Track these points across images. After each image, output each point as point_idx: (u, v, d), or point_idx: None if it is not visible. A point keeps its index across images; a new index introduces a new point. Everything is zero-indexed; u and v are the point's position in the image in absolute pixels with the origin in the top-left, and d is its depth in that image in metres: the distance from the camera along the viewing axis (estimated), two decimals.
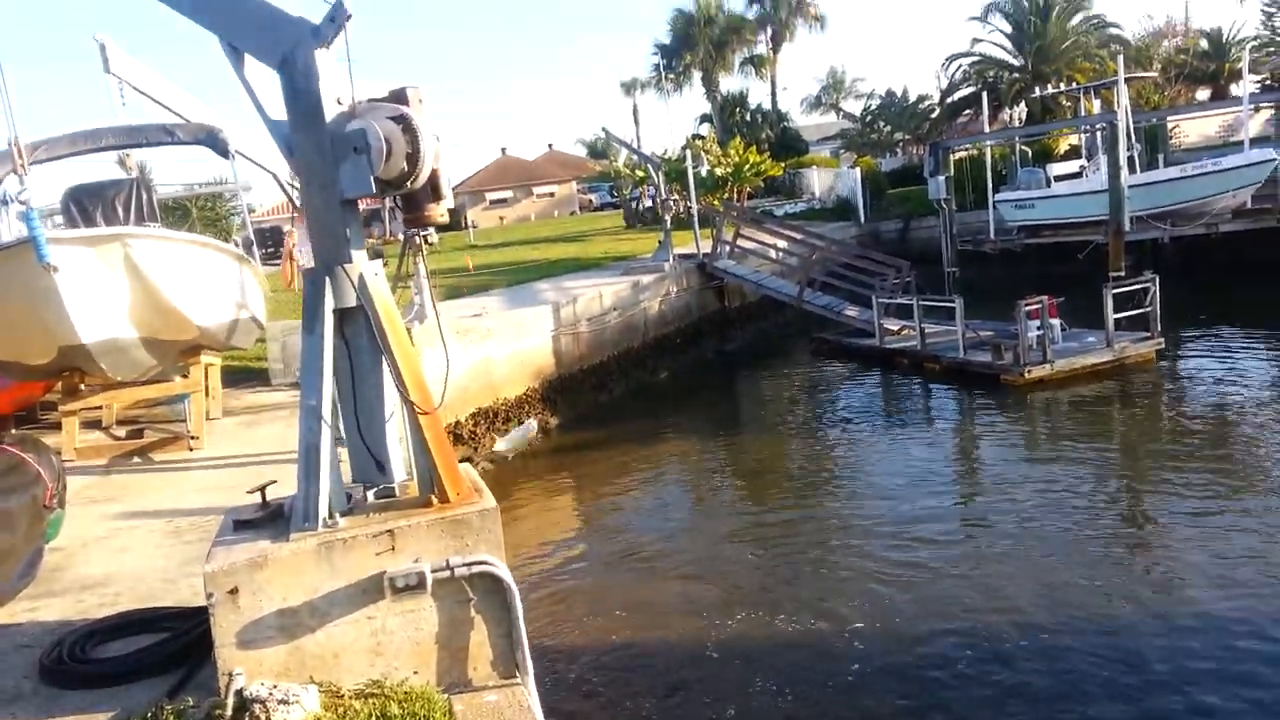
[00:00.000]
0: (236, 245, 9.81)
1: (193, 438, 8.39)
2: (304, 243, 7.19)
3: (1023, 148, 27.14)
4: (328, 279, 4.09)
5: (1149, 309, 15.89)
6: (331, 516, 4.00)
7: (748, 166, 31.35)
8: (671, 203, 23.54)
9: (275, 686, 3.70)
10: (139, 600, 5.03)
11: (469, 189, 59.09)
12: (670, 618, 8.30)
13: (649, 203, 37.85)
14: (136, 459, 8.43)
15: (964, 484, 12.01)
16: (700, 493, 12.92)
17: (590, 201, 62.99)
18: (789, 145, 40.57)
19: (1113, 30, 38.36)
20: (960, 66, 39.96)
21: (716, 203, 28.44)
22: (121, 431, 9.53)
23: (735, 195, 31.68)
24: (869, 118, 45.83)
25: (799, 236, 22.91)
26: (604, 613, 8.48)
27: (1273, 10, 46.31)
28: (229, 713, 3.55)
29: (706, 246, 23.16)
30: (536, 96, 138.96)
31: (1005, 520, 9.98)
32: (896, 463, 12.82)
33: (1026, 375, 15.46)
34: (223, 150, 9.63)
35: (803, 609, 8.14)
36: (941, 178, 21.91)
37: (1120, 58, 20.23)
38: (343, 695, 3.85)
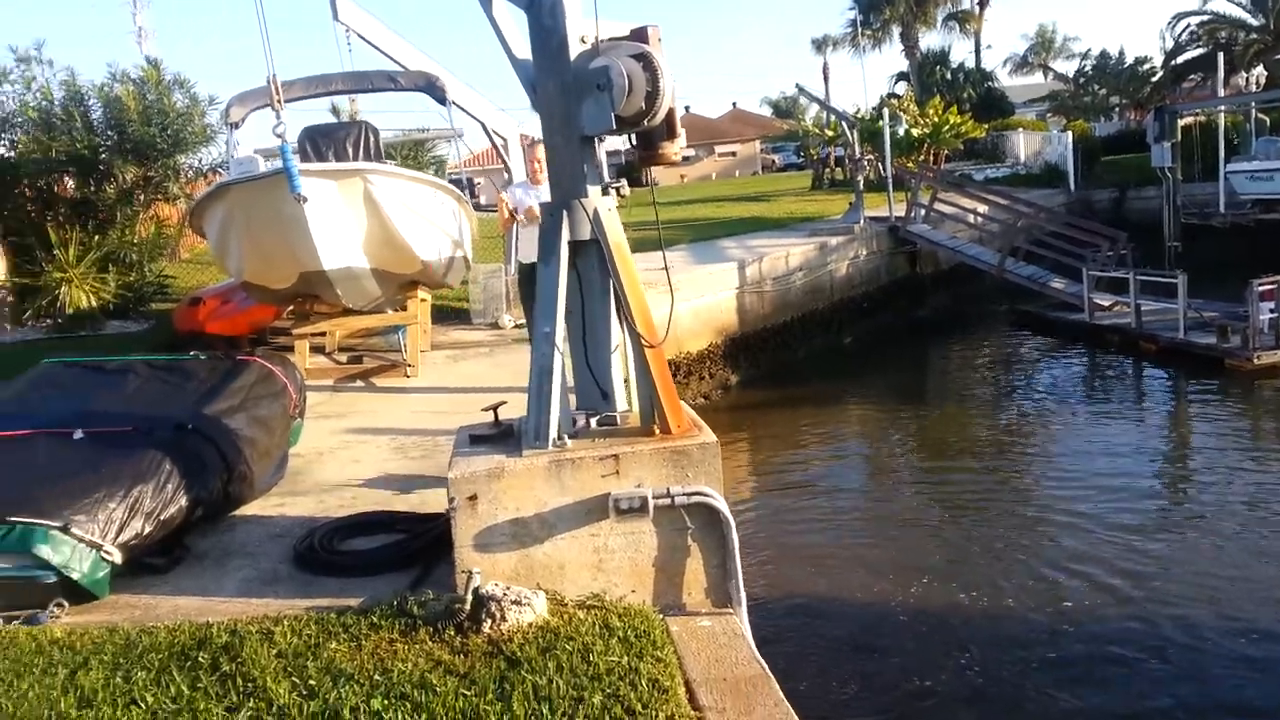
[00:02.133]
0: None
1: (409, 366, 8.94)
2: (512, 190, 7.48)
3: (1260, 115, 24.79)
4: (565, 213, 4.25)
5: None
6: (560, 437, 4.20)
7: (946, 127, 30.01)
8: (865, 163, 22.89)
9: (509, 588, 3.95)
10: (374, 504, 5.44)
11: None
12: (853, 577, 8.22)
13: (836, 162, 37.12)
14: (358, 381, 9.07)
15: (1175, 474, 11.14)
16: (881, 459, 12.63)
17: (773, 161, 62.07)
18: (993, 106, 38.49)
19: None
20: (1188, 26, 36.73)
21: (911, 164, 27.42)
22: (343, 357, 10.27)
23: (932, 157, 30.44)
24: (1082, 79, 42.87)
25: (1003, 202, 21.83)
26: (785, 563, 8.50)
27: None
28: (468, 607, 3.82)
29: (899, 209, 22.45)
30: (720, 54, 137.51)
31: (1221, 517, 9.22)
32: (1099, 445, 12.02)
33: (1256, 361, 14.17)
34: (440, 97, 10.10)
35: (988, 587, 7.86)
36: (1167, 144, 20.30)
37: None
38: (566, 604, 4.07)
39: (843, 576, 8.28)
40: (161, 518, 4.32)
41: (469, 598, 3.84)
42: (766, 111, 69.26)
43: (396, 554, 4.49)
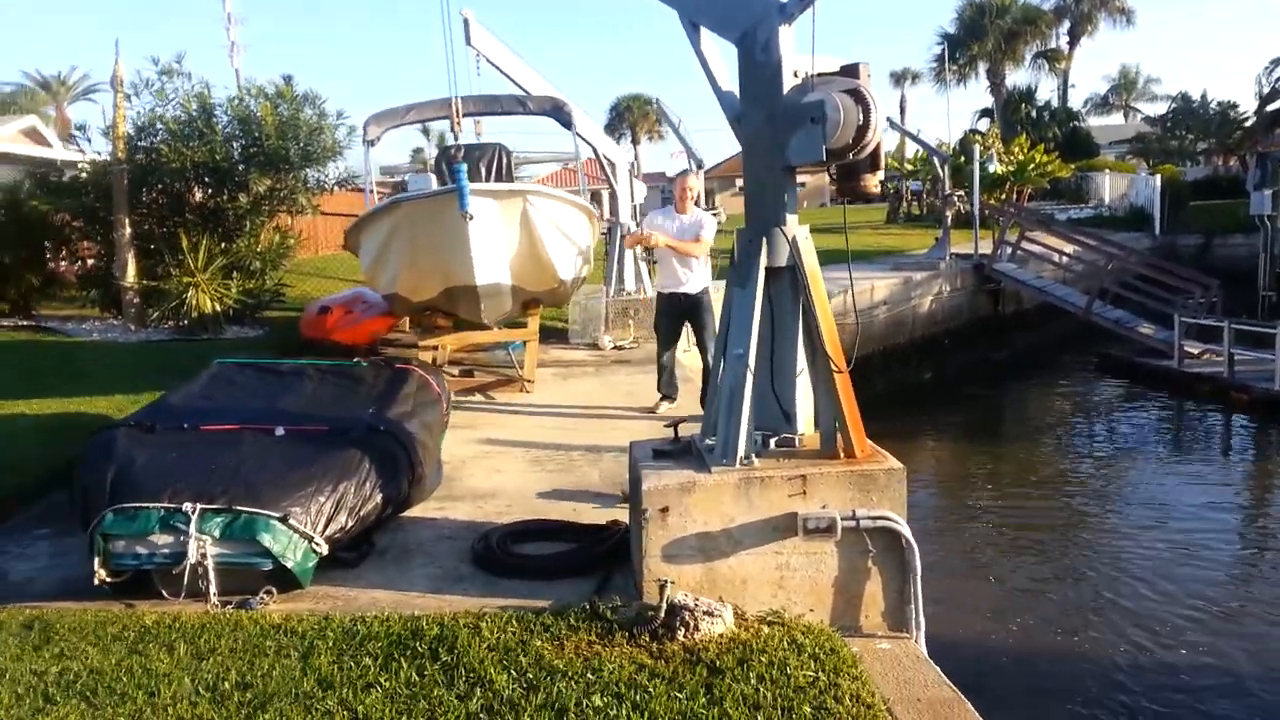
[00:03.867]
0: None
1: (528, 381, 9.17)
2: (651, 217, 7.69)
3: None
4: (764, 239, 4.41)
5: None
6: (748, 456, 4.33)
7: (1032, 166, 29.82)
8: (956, 199, 22.84)
9: (699, 599, 4.09)
10: (528, 512, 5.60)
11: (719, 174, 59.51)
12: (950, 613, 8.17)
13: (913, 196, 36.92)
14: (478, 395, 9.31)
15: (1263, 528, 10.97)
16: (955, 499, 12.52)
17: None
18: (1077, 146, 38.11)
19: None
20: None
21: (994, 201, 27.26)
22: (454, 370, 10.55)
23: (1016, 195, 30.23)
24: (1169, 122, 42.30)
25: (1092, 243, 21.62)
26: None
27: None
28: (662, 615, 3.96)
29: (985, 246, 22.34)
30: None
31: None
32: (1185, 495, 11.87)
33: None
34: (566, 121, 10.40)
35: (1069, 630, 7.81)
36: (1268, 192, 19.97)
37: None
38: (748, 619, 4.19)
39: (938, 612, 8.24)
40: (361, 513, 4.54)
41: (664, 606, 3.98)
42: None
43: (576, 561, 4.65)
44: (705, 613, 4.00)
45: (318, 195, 12.10)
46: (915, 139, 22.17)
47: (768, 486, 4.23)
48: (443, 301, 8.06)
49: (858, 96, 4.16)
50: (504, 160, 10.00)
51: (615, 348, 11.90)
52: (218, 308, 10.87)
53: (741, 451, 4.33)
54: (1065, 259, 22.17)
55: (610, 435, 7.61)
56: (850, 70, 4.34)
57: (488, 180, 9.54)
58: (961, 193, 24.83)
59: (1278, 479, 12.94)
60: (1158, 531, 10.28)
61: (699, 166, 15.40)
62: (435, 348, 9.20)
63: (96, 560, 4.08)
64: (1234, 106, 41.78)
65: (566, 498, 5.96)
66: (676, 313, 7.69)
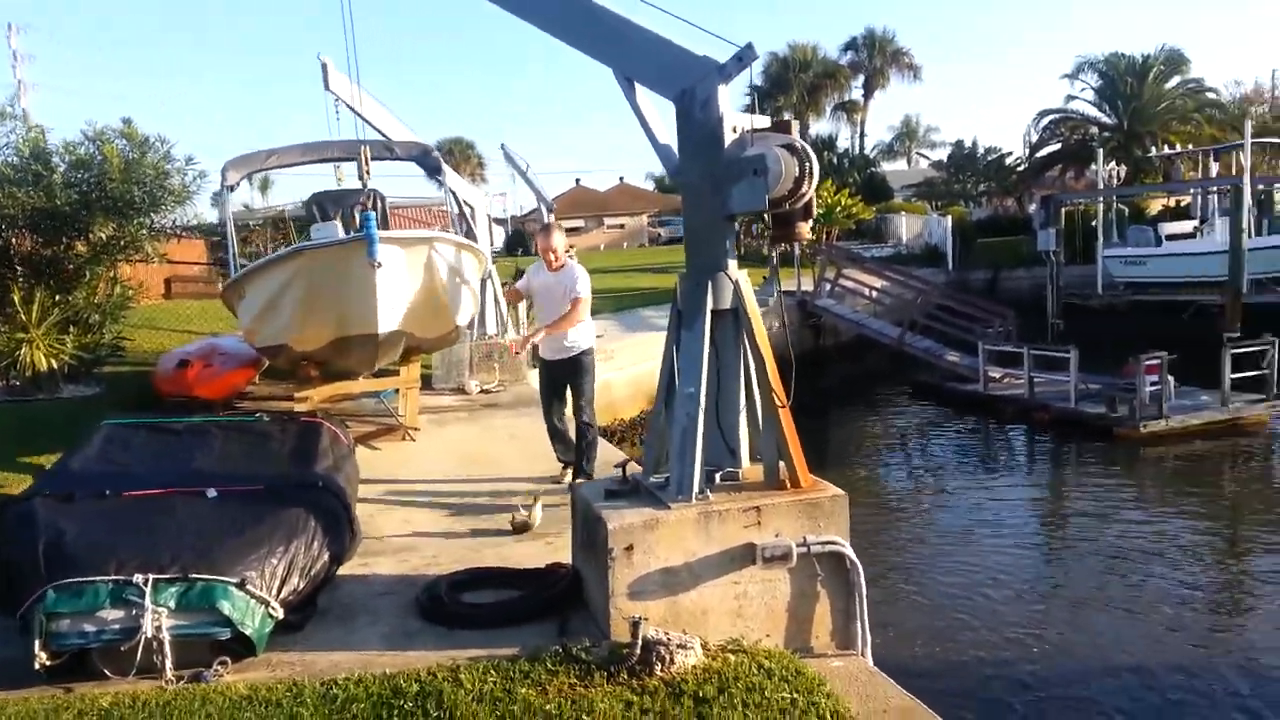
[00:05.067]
0: None
1: (413, 429, 9.02)
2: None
3: (1120, 206, 27.35)
4: (710, 283, 4.66)
5: (1266, 371, 16.03)
6: (702, 491, 4.53)
7: (839, 209, 31.89)
8: None
9: (669, 633, 4.23)
10: (456, 562, 5.55)
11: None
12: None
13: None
14: (359, 446, 9.06)
15: (1070, 531, 12.11)
16: None
17: (659, 234, 63.85)
18: (875, 189, 41.10)
19: (1209, 95, 38.56)
20: (1050, 122, 40.31)
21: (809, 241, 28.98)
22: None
23: (825, 236, 32.18)
24: (954, 168, 46.35)
25: (901, 278, 23.34)
26: None
27: None
28: (638, 651, 4.07)
29: (806, 284, 23.68)
30: (608, 131, 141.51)
31: (1116, 566, 10.20)
32: (1000, 508, 13.02)
33: (1142, 429, 15.60)
34: (434, 167, 10.38)
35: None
36: (1052, 230, 22.24)
37: (1248, 123, 20.53)
38: (710, 648, 4.36)
39: None
40: (311, 573, 4.40)
41: (639, 643, 4.09)
42: (650, 186, 71.30)
43: (530, 606, 4.68)
44: (679, 646, 4.15)
45: (164, 243, 11.43)
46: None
47: (725, 519, 4.45)
48: (328, 352, 7.84)
49: (794, 150, 4.50)
50: (380, 205, 9.83)
51: (482, 391, 11.85)
52: (54, 364, 10.04)
53: (696, 487, 4.53)
54: (875, 293, 23.79)
55: (508, 483, 7.63)
56: (783, 126, 4.70)
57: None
58: None
59: (1081, 486, 14.33)
60: (980, 538, 11.34)
61: (549, 210, 15.60)
62: (307, 399, 8.88)
63: (37, 643, 3.77)
64: (1003, 153, 46.40)
65: (492, 545, 5.94)
66: (558, 379, 7.29)
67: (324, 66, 10.79)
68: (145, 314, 14.91)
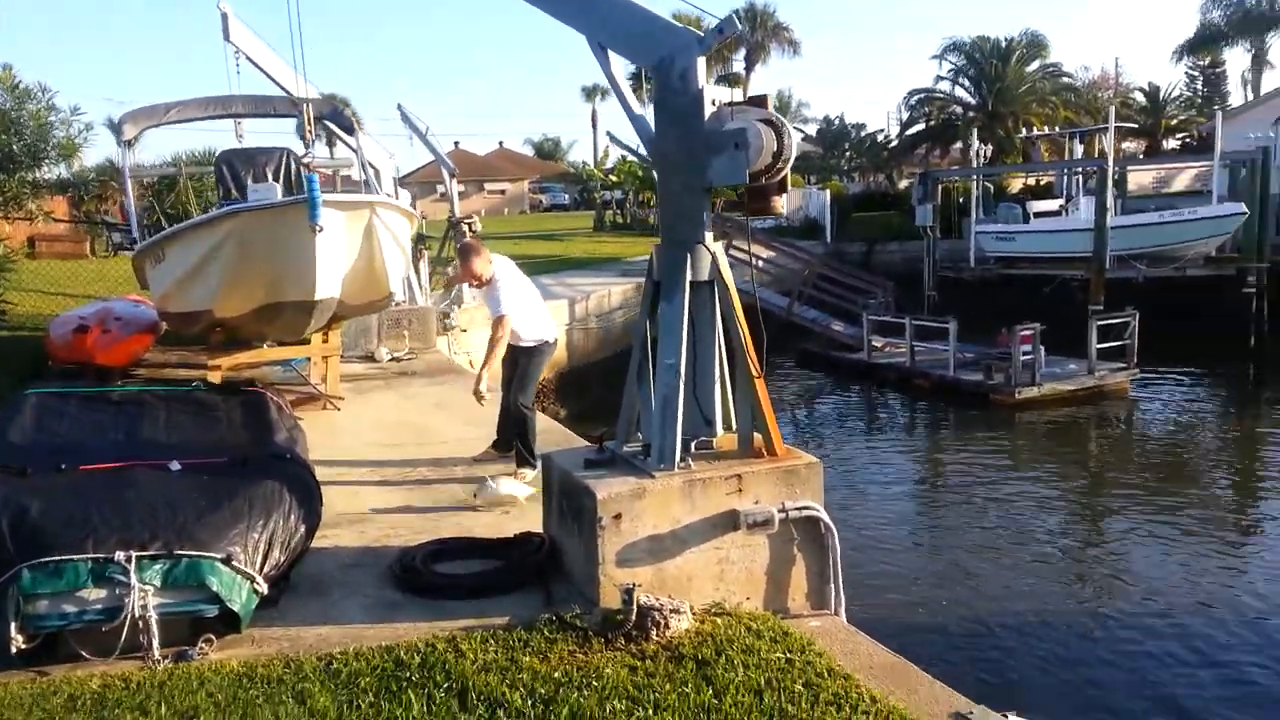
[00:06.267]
0: None
1: (336, 398, 8.76)
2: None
3: (986, 184, 28.66)
4: (688, 255, 4.71)
5: (1128, 341, 17.25)
6: (684, 460, 4.61)
7: None
8: None
9: (660, 598, 4.30)
10: (415, 532, 5.50)
11: (419, 180, 58.74)
12: None
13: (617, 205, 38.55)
14: None
15: (951, 491, 12.89)
16: None
17: (541, 201, 63.36)
18: None
19: (1065, 80, 40.68)
20: (916, 100, 41.79)
21: None
22: None
23: (711, 207, 32.56)
24: (827, 143, 47.62)
25: (789, 250, 23.91)
26: None
27: (1195, 74, 49.92)
28: (633, 617, 4.14)
29: None
30: (485, 94, 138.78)
31: (984, 528, 10.94)
32: (888, 471, 13.80)
33: (1016, 396, 16.56)
34: (347, 126, 10.02)
35: None
36: (929, 205, 23.17)
37: (1111, 109, 21.86)
38: (696, 612, 4.46)
39: None
40: (290, 546, 4.26)
41: (634, 609, 4.16)
42: (529, 151, 70.54)
43: (515, 575, 4.68)
44: (672, 611, 4.23)
45: (52, 199, 10.66)
46: (634, 153, 23.30)
47: (708, 487, 4.54)
48: (251, 319, 7.52)
49: (773, 124, 4.58)
50: (293, 166, 9.40)
51: (393, 359, 11.60)
52: None
53: (679, 456, 4.60)
54: (761, 264, 24.30)
55: (441, 449, 7.53)
56: (759, 100, 4.76)
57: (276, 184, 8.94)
58: None
59: (962, 448, 15.15)
60: (875, 499, 12.05)
61: (451, 175, 15.29)
62: (218, 367, 8.50)
63: (13, 625, 3.54)
64: (875, 130, 48.00)
65: (448, 517, 5.87)
66: (510, 362, 6.91)
67: (224, 16, 10.23)
68: (10, 277, 13.90)
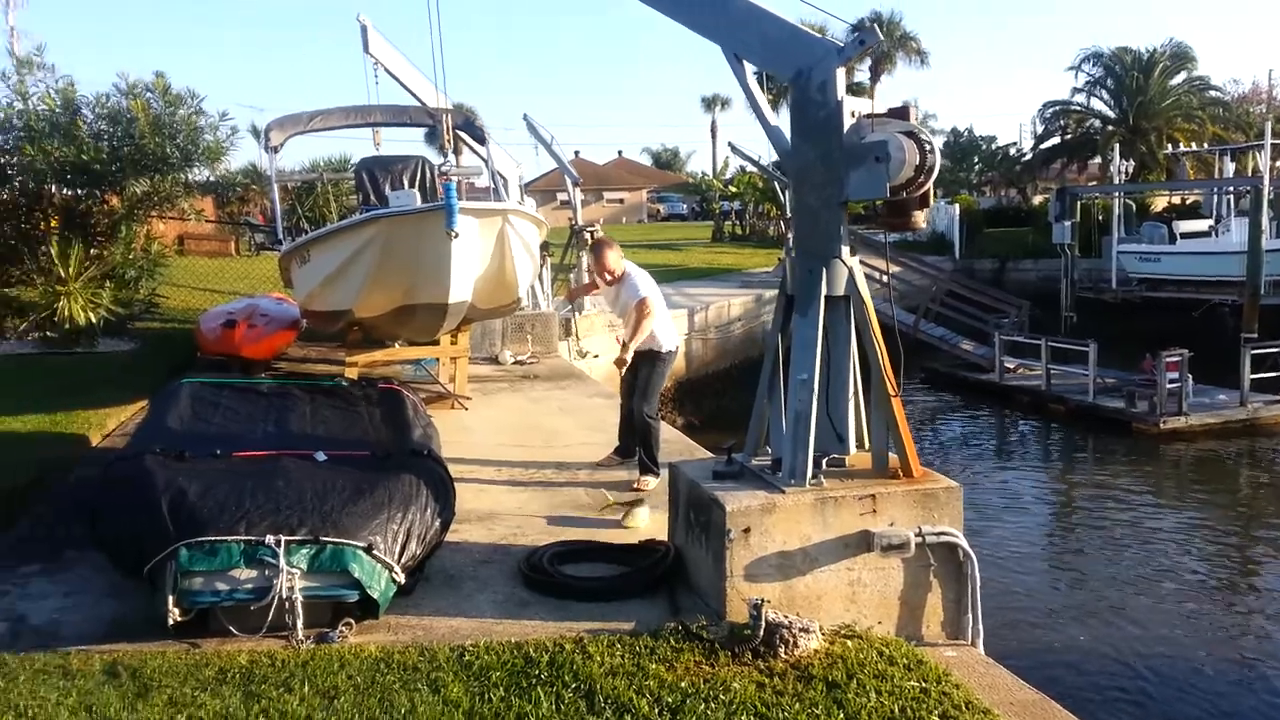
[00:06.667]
0: None
1: (461, 398, 8.97)
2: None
3: (1127, 202, 27.42)
4: (824, 269, 4.62)
5: None
6: (816, 477, 4.52)
7: None
8: None
9: (788, 616, 4.22)
10: (541, 533, 5.57)
11: (540, 188, 59.95)
12: None
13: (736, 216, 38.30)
14: None
15: (1088, 523, 12.22)
16: None
17: (659, 211, 63.75)
18: None
19: (1213, 93, 38.55)
20: (1055, 113, 40.25)
21: None
22: None
23: None
24: (955, 156, 46.31)
25: (917, 266, 23.35)
26: None
27: None
28: (761, 633, 4.07)
29: None
30: (605, 105, 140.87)
31: (1127, 564, 10.34)
32: (1022, 498, 13.20)
33: (1161, 426, 15.65)
34: (479, 136, 10.27)
35: None
36: (1067, 223, 22.27)
37: (1268, 124, 20.55)
38: (825, 633, 4.36)
39: None
40: (426, 539, 4.37)
41: (763, 624, 4.09)
42: (647, 160, 71.08)
43: (639, 581, 4.68)
44: (801, 629, 4.14)
45: (200, 199, 11.31)
46: (758, 165, 23.23)
47: (841, 506, 4.44)
48: (388, 319, 7.78)
49: (916, 138, 4.45)
50: (428, 174, 9.73)
51: (516, 362, 11.82)
52: (91, 318, 9.92)
53: (810, 473, 4.51)
54: (887, 279, 23.79)
55: (565, 453, 7.61)
56: (900, 112, 4.63)
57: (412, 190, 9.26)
58: None
59: (1101, 480, 14.40)
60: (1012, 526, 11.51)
61: (575, 184, 15.48)
62: (355, 364, 8.82)
63: (170, 599, 3.74)
64: (1008, 144, 46.36)
65: (572, 519, 5.92)
66: (634, 368, 6.83)
67: (364, 29, 10.61)
68: (167, 272, 14.80)
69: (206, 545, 3.79)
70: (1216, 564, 10.62)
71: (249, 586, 3.83)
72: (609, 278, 6.79)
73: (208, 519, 3.88)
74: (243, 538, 3.82)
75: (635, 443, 6.82)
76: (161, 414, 5.24)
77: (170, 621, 3.77)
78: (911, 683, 3.91)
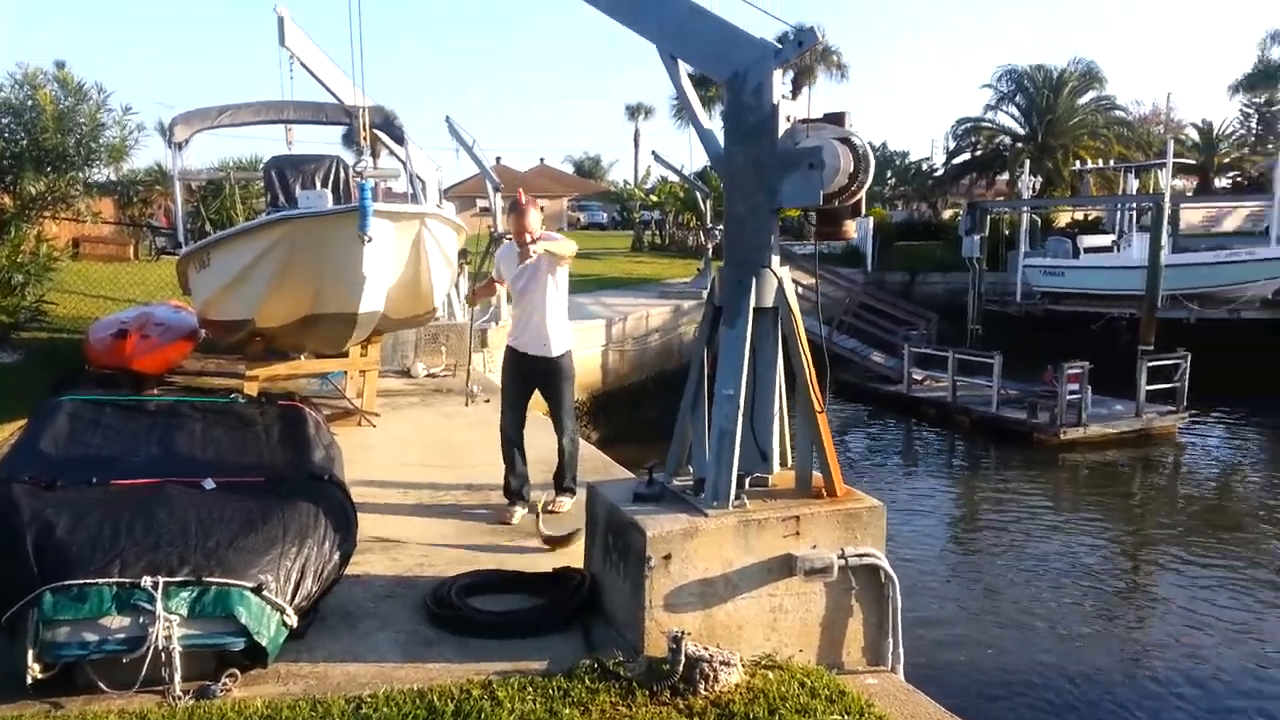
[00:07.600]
0: None
1: (372, 414, 8.59)
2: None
3: (1033, 217, 28.21)
4: (753, 279, 4.46)
5: (1178, 384, 16.73)
6: (738, 498, 4.35)
7: None
8: (717, 232, 24.09)
9: (708, 648, 4.04)
10: (449, 562, 5.27)
11: (458, 194, 59.13)
12: None
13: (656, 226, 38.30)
14: None
15: (991, 534, 12.48)
16: None
17: (579, 219, 63.46)
18: None
19: (1118, 113, 40.05)
20: (964, 129, 41.32)
21: None
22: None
23: None
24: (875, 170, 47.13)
25: (831, 278, 23.57)
26: None
27: (1250, 111, 48.93)
28: (680, 668, 3.87)
29: None
30: (527, 111, 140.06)
31: (1030, 572, 10.61)
32: (927, 510, 13.37)
33: (1061, 436, 16.08)
34: (398, 136, 9.89)
35: None
36: (976, 237, 22.77)
37: (1170, 144, 21.36)
38: (746, 664, 4.19)
39: None
40: (323, 575, 4.05)
41: (682, 659, 3.89)
42: (569, 168, 70.76)
43: (556, 615, 4.43)
44: (722, 663, 3.96)
45: (99, 200, 10.65)
46: (678, 173, 23.19)
47: (764, 529, 4.28)
48: (293, 330, 7.37)
49: (851, 145, 4.33)
50: (343, 174, 9.31)
51: (429, 375, 11.45)
52: None
53: (734, 494, 4.35)
54: (801, 290, 23.98)
55: (476, 472, 7.31)
56: (836, 118, 4.51)
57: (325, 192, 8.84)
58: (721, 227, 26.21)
59: (999, 492, 14.69)
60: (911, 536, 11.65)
61: (496, 189, 15.16)
62: (255, 378, 8.37)
63: (30, 653, 3.35)
64: (921, 159, 47.54)
65: (483, 546, 5.65)
66: (529, 380, 6.28)
67: (280, 20, 10.15)
68: (54, 277, 13.96)
69: (74, 590, 3.41)
70: (1116, 566, 11.03)
71: (121, 636, 3.45)
72: (528, 238, 5.78)
73: (77, 559, 3.50)
74: (115, 580, 3.46)
75: (559, 471, 6.38)
76: (35, 436, 4.79)
77: (29, 679, 3.37)
78: (834, 717, 3.76)
